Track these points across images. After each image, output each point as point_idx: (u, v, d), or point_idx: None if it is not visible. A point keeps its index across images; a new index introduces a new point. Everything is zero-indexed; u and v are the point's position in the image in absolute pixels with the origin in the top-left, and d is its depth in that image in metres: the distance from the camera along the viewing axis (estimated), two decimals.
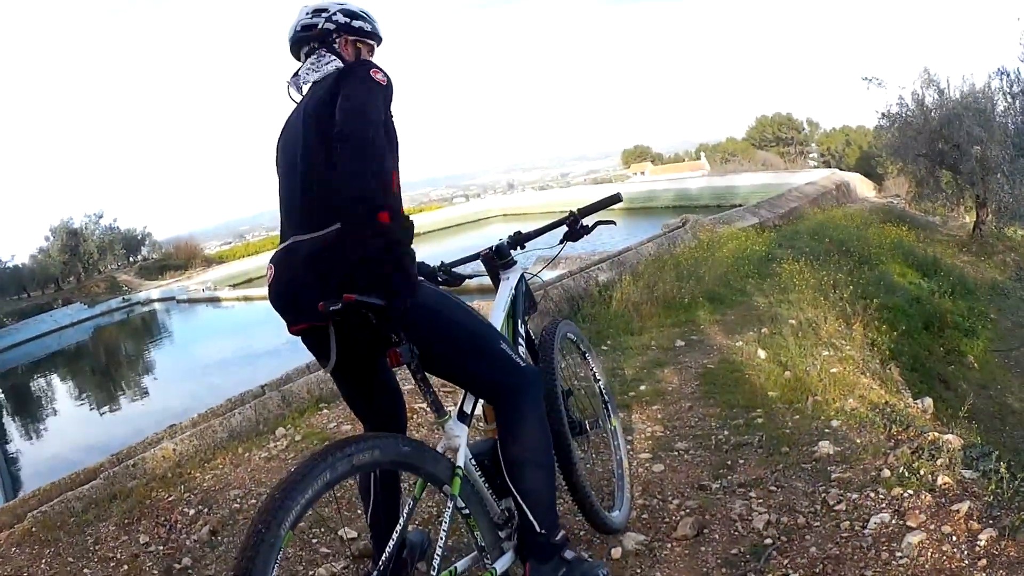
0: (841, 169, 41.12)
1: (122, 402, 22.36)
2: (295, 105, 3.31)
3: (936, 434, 6.82)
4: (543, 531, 3.25)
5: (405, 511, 2.91)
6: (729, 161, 57.03)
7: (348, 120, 2.78)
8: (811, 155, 57.61)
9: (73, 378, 28.36)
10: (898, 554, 4.66)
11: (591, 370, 5.53)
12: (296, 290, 3.02)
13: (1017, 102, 22.46)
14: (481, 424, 4.31)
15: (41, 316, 39.00)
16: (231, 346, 25.11)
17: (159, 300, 40.59)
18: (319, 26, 3.24)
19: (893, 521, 5.07)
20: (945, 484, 5.47)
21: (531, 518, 3.20)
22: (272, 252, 3.20)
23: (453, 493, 3.00)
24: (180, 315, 36.76)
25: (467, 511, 3.17)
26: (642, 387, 9.51)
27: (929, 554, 4.56)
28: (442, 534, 2.93)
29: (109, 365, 29.75)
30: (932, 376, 12.98)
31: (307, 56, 3.30)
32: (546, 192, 58.07)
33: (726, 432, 7.60)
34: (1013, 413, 13.00)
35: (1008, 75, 22.43)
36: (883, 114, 26.57)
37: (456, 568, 3.10)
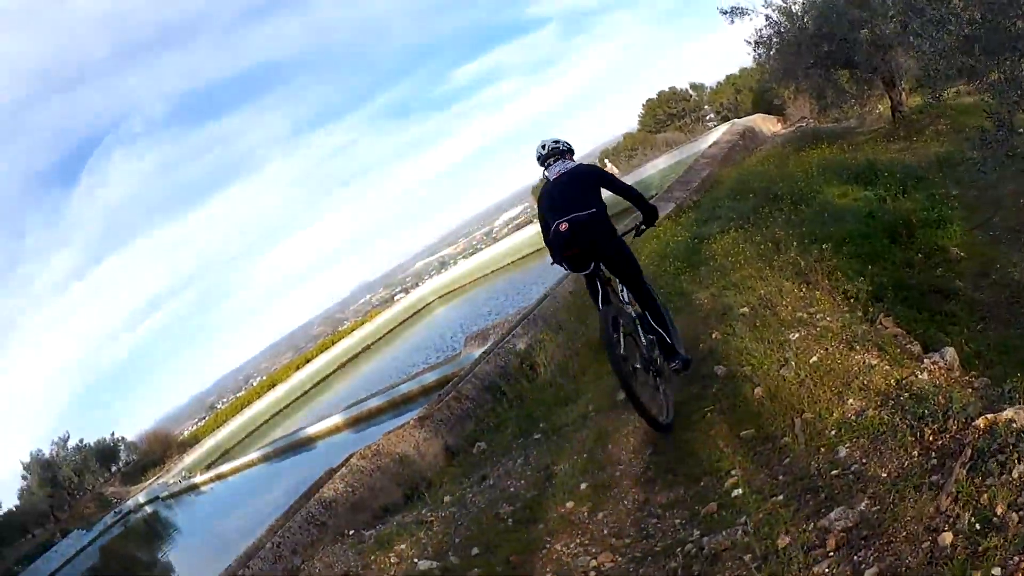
0: (740, 117, 39.28)
1: None
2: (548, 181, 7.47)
3: (988, 418, 4.54)
4: (671, 342, 7.52)
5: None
6: (633, 156, 55.74)
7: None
8: (708, 117, 56.20)
9: None
10: None
11: None
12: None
13: None
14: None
15: (46, 555, 38.76)
16: (230, 527, 24.46)
17: (147, 503, 40.53)
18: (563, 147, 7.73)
19: None
20: None
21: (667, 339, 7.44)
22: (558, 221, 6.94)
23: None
24: (173, 509, 36.72)
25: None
26: (582, 486, 7.39)
27: None
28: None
29: None
30: (925, 296, 10.61)
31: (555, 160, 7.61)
32: (474, 257, 56.38)
33: (696, 531, 5.45)
34: (1021, 287, 10.69)
35: None
36: (755, 42, 24.47)
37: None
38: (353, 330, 55.95)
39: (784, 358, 7.36)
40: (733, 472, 5.88)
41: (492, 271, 46.31)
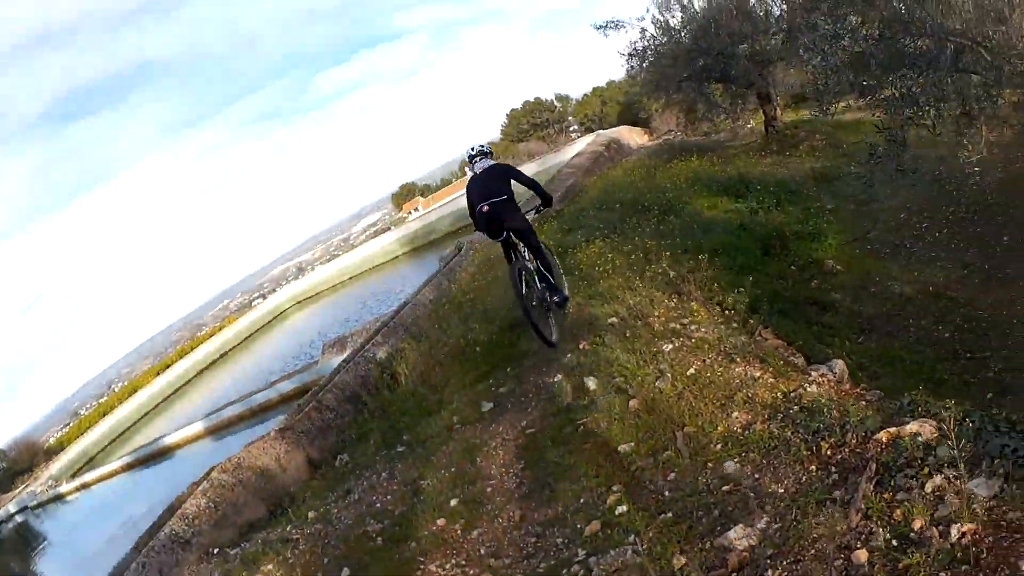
0: (605, 128, 39.47)
1: None
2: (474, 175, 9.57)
3: (891, 431, 4.43)
4: (557, 285, 9.51)
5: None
6: None
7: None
8: (571, 128, 56.68)
9: None
10: None
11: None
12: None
13: None
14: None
15: None
16: (96, 538, 23.35)
17: (17, 512, 38.74)
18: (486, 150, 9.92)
19: None
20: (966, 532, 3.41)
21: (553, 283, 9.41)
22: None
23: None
24: (41, 519, 35.61)
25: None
26: (452, 502, 6.89)
27: None
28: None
29: None
30: (802, 308, 10.54)
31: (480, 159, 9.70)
32: (331, 263, 55.51)
33: (582, 551, 5.05)
34: (911, 301, 10.82)
35: None
36: (629, 54, 24.09)
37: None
38: (212, 335, 54.56)
39: (659, 370, 7.03)
40: (615, 488, 5.49)
41: (350, 277, 45.70)
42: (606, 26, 22.59)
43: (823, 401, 5.42)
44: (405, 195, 76.39)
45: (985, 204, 12.92)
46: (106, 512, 25.96)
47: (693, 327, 8.14)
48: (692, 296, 9.26)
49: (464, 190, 10.10)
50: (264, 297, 66.75)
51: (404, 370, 11.02)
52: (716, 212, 15.22)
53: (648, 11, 22.87)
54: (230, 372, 41.07)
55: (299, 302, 50.88)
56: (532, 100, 60.52)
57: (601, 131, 35.23)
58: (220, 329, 56.11)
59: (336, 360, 18.22)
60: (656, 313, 8.74)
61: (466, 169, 10.48)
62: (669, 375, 6.79)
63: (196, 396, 40.78)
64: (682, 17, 22.34)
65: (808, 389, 5.87)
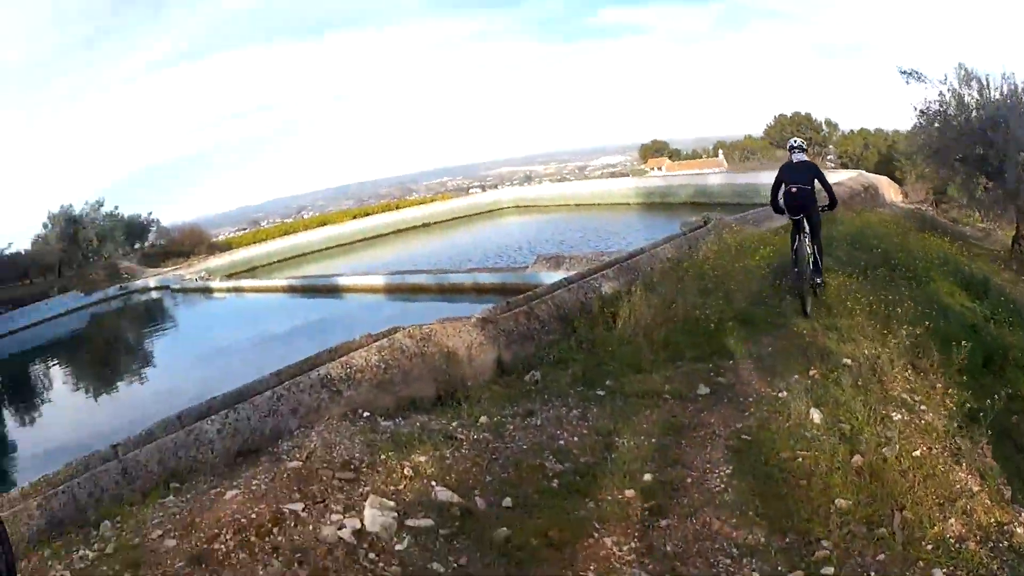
0: (858, 171, 37.84)
1: (121, 388, 20.95)
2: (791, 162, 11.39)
3: None
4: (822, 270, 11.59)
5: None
6: (748, 159, 54.42)
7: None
8: (829, 157, 54.65)
9: (71, 366, 26.71)
10: None
11: None
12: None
13: None
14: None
15: (36, 304, 36.64)
16: (228, 341, 23.35)
17: (155, 288, 38.51)
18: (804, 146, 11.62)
19: None
20: None
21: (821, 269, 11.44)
22: None
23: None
24: (178, 304, 34.79)
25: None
26: (647, 476, 6.54)
27: None
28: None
29: (106, 353, 28.09)
30: (1001, 433, 9.80)
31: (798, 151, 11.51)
32: (562, 184, 55.22)
33: None
34: None
35: None
36: (921, 111, 22.74)
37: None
38: (421, 203, 54.48)
39: (886, 436, 6.60)
40: (825, 544, 5.18)
41: (576, 204, 44.86)
42: (910, 74, 21.58)
43: None
44: (654, 151, 74.45)
45: None
46: (249, 321, 25.84)
47: (923, 407, 7.64)
48: (927, 375, 8.75)
49: (776, 171, 11.81)
50: (483, 189, 66.66)
51: (626, 314, 10.72)
52: (952, 301, 14.24)
53: (946, 79, 21.24)
54: (428, 244, 40.32)
55: (518, 207, 50.35)
56: (803, 113, 59.52)
57: (863, 171, 33.61)
58: (432, 200, 55.45)
59: (546, 274, 18.06)
60: (890, 375, 8.26)
61: (790, 155, 11.65)
62: (897, 447, 6.34)
63: (384, 253, 40.02)
64: (977, 99, 20.82)
65: (1018, 530, 5.43)
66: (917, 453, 6.34)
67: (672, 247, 14.69)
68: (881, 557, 4.99)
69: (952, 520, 5.36)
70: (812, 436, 6.75)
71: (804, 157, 11.47)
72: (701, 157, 67.38)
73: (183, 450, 7.06)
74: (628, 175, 58.36)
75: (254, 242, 47.93)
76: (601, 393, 8.59)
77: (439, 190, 77.18)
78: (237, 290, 33.09)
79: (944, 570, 4.81)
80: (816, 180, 11.20)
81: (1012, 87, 19.99)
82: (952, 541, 5.11)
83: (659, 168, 64.10)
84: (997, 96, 20.41)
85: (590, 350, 10.20)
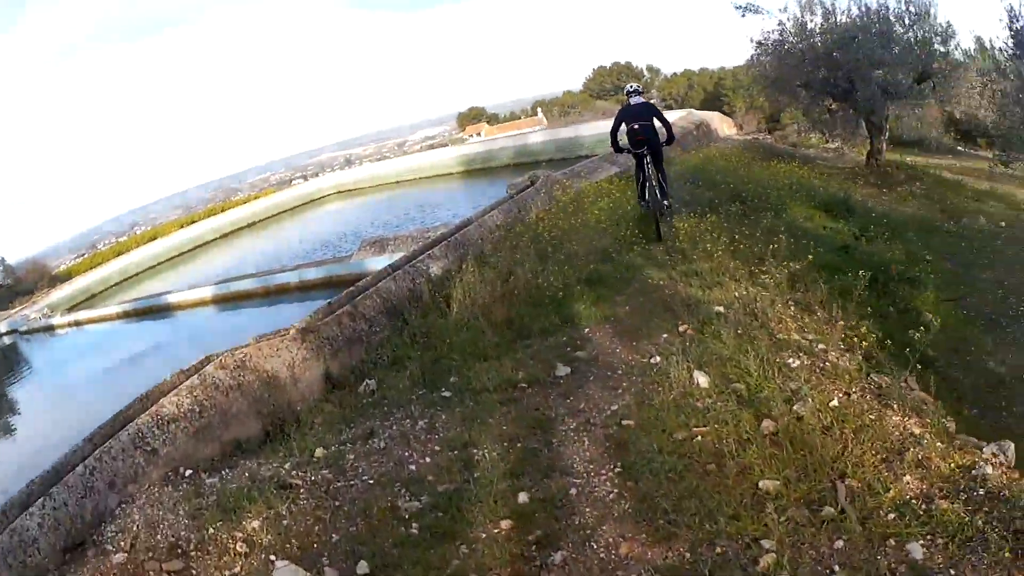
0: (686, 110, 37.80)
1: None
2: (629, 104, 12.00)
3: None
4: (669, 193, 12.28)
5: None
6: (568, 114, 54.17)
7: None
8: (652, 100, 54.89)
9: None
10: None
11: None
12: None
13: (916, 25, 19.35)
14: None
15: None
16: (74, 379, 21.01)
17: (6, 333, 35.09)
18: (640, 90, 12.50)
19: None
20: None
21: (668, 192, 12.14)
22: None
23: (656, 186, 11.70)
24: (32, 347, 31.51)
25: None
26: (522, 496, 5.24)
27: None
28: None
29: None
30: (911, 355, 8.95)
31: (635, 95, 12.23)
32: (381, 163, 53.57)
33: None
34: (1004, 384, 9.17)
35: None
36: (759, 42, 21.84)
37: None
38: (245, 202, 52.11)
39: (791, 389, 5.65)
40: (766, 544, 4.04)
41: (396, 181, 43.51)
42: (746, 8, 20.47)
43: (1016, 490, 4.13)
44: (472, 118, 74.11)
45: None
46: (93, 354, 23.73)
47: (821, 347, 6.68)
48: (816, 312, 7.70)
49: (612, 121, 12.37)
50: (306, 179, 64.89)
51: (460, 295, 9.35)
52: (813, 225, 13.76)
53: (787, 8, 20.84)
54: (254, 244, 38.65)
55: (340, 192, 48.64)
56: (623, 63, 59.41)
57: (694, 110, 33.22)
58: (255, 198, 53.28)
59: (372, 260, 16.68)
60: (774, 316, 7.21)
61: (628, 99, 12.17)
62: (809, 399, 5.32)
63: (215, 260, 38.00)
64: (822, 24, 20.33)
65: (988, 470, 4.45)
66: (834, 403, 5.39)
67: (501, 213, 13.41)
68: (839, 544, 3.99)
69: (907, 477, 4.43)
70: (705, 406, 5.72)
71: (642, 99, 12.27)
72: (520, 118, 66.80)
73: (11, 556, 5.63)
74: (447, 144, 57.25)
75: (90, 267, 44.85)
76: (447, 394, 7.28)
77: (263, 186, 74.44)
78: (77, 324, 30.87)
79: (921, 542, 3.85)
80: (655, 118, 11.91)
81: (863, 8, 19.75)
82: (916, 503, 4.18)
83: (478, 134, 63.48)
84: (845, 20, 20.03)
85: (426, 343, 8.81)
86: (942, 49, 19.71)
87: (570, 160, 25.38)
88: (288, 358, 8.10)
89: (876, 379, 6.07)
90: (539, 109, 61.27)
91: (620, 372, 6.75)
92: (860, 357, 6.70)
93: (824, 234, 12.96)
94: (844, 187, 17.77)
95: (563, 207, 13.52)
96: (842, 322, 7.41)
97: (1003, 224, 16.51)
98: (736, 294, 7.96)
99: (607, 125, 25.59)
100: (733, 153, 21.04)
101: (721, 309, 7.54)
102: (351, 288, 10.16)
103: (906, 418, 5.25)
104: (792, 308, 7.71)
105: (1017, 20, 15.73)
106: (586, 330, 8.00)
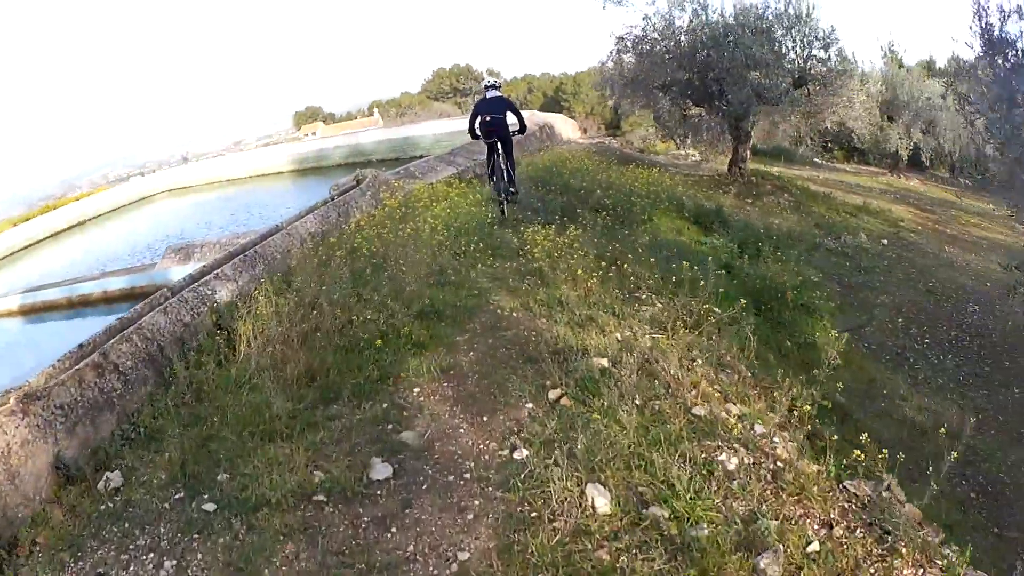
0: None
1: None
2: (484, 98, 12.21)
3: None
4: (516, 182, 12.37)
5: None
6: (405, 114, 52.09)
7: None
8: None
9: None
10: None
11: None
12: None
13: (795, 28, 17.54)
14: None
15: None
16: None
17: None
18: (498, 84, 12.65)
19: None
20: None
21: (515, 181, 12.30)
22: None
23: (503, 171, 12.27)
24: None
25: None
26: None
27: None
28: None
29: None
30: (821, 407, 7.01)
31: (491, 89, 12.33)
32: (214, 160, 50.12)
33: None
34: (926, 436, 7.81)
35: None
36: (620, 37, 19.32)
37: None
38: (76, 200, 47.83)
39: (742, 517, 3.68)
40: None
41: (227, 180, 40.72)
42: None
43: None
44: (309, 117, 71.73)
45: (991, 343, 11.38)
46: None
47: (758, 429, 4.70)
48: (727, 362, 5.59)
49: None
50: (143, 175, 60.99)
51: (248, 332, 6.68)
52: (684, 239, 11.99)
53: (654, 1, 18.77)
54: (88, 243, 34.73)
55: (171, 191, 45.14)
56: (463, 65, 57.78)
57: (536, 111, 31.28)
58: (86, 196, 49.62)
59: (177, 269, 13.92)
60: (679, 374, 5.02)
61: (485, 92, 12.37)
62: (779, 547, 3.25)
63: (40, 264, 33.95)
64: (691, 20, 18.23)
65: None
66: (814, 547, 3.47)
67: (316, 219, 10.77)
68: None
69: None
70: (612, 556, 3.55)
71: (498, 93, 12.52)
72: (356, 118, 64.87)
73: None
74: (281, 142, 54.54)
75: None
76: (209, 507, 4.55)
77: (101, 183, 69.37)
78: None
79: None
80: (508, 111, 12.27)
81: (739, 6, 17.90)
82: None
83: (313, 133, 61.41)
84: (717, 18, 18.10)
85: (195, 407, 5.97)
86: (822, 54, 17.99)
87: (404, 160, 23.21)
88: (2, 443, 5.17)
89: (852, 488, 3.99)
90: (375, 109, 59.56)
91: (467, 476, 4.37)
92: (803, 438, 4.64)
93: (700, 250, 11.15)
94: (710, 197, 16.04)
95: (390, 213, 10.52)
96: (766, 383, 5.35)
97: (885, 242, 15.25)
98: (618, 336, 5.83)
99: (444, 125, 28.09)
100: (584, 156, 18.93)
101: (605, 363, 5.37)
102: (112, 323, 7.29)
103: (919, 570, 3.26)
104: (699, 360, 5.56)
105: (986, 15, 14.10)
106: (416, 391, 5.54)
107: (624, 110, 25.43)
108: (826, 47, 17.93)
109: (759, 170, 20.23)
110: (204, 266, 9.11)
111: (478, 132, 12.33)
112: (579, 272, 7.29)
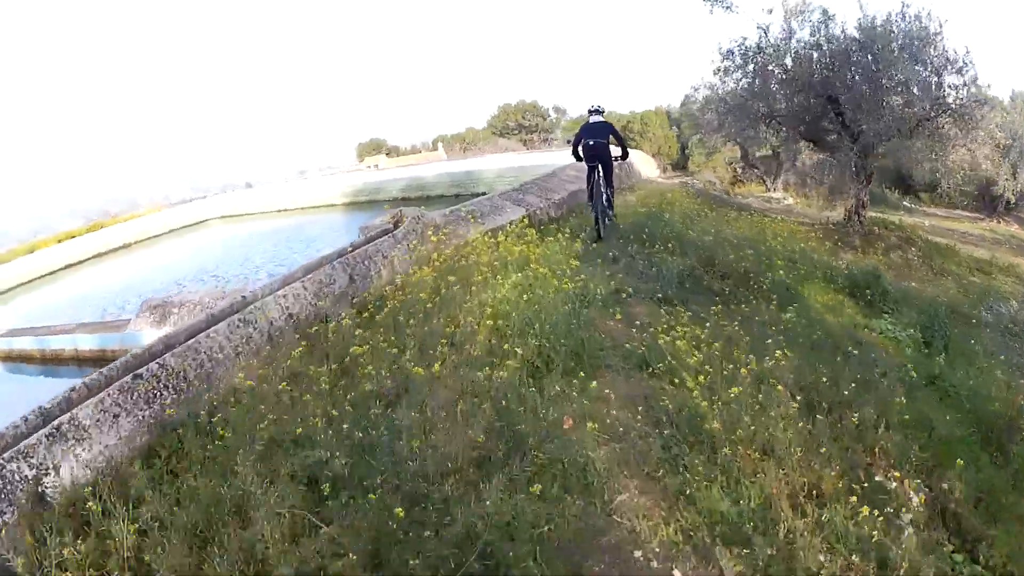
0: None
1: None
2: (588, 123, 11.93)
3: None
4: (613, 205, 12.51)
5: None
6: (469, 149, 49.55)
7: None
8: (555, 140, 50.38)
9: None
10: None
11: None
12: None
13: (925, 49, 13.81)
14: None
15: None
16: None
17: None
18: (601, 110, 12.11)
19: None
20: None
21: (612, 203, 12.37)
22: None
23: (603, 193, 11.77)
24: None
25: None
26: None
27: None
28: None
29: None
30: None
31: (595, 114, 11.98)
32: (272, 188, 48.24)
33: None
34: None
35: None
36: (729, 51, 15.72)
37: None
38: (124, 221, 45.04)
39: None
40: None
41: (280, 210, 39.04)
42: (715, 1, 14.69)
43: None
44: (372, 149, 69.97)
45: None
46: None
47: None
48: None
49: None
50: (205, 198, 59.38)
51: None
52: (846, 321, 8.21)
53: (771, 10, 14.69)
54: (116, 272, 31.09)
55: (224, 217, 42.55)
56: (528, 102, 56.03)
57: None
58: (140, 215, 46.62)
59: (149, 331, 11.34)
60: None
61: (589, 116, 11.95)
62: None
63: (66, 289, 30.41)
64: (812, 34, 14.50)
65: None
66: None
67: (311, 288, 6.76)
68: None
69: None
70: None
71: (601, 119, 12.13)
72: (420, 151, 62.37)
73: None
74: (343, 173, 52.36)
75: None
76: None
77: (162, 203, 67.41)
78: None
79: None
80: (611, 136, 12.01)
81: (867, 23, 14.22)
82: None
83: (376, 165, 58.70)
84: (838, 32, 14.54)
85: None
86: (956, 80, 14.30)
87: (464, 197, 19.56)
88: None
89: None
90: (439, 143, 57.61)
91: None
92: None
93: (870, 339, 7.63)
94: (833, 253, 12.51)
95: (431, 282, 6.61)
96: None
97: None
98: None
99: (509, 160, 28.31)
100: (681, 197, 15.44)
101: None
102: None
103: None
104: None
105: None
106: None
107: (710, 146, 24.40)
108: (960, 72, 14.42)
109: (876, 217, 16.53)
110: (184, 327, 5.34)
111: (581, 155, 12.11)
112: (778, 434, 3.62)
